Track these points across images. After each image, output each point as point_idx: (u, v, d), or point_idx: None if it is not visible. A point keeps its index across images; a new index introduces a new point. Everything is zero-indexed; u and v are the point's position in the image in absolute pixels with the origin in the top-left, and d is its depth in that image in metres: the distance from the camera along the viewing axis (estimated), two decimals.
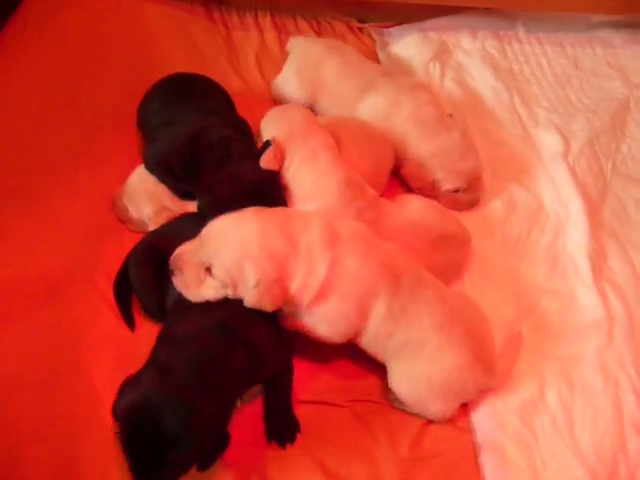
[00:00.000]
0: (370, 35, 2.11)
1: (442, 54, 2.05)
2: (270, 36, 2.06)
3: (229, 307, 1.23)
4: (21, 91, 1.73)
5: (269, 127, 1.49)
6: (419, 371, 1.29)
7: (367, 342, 1.30)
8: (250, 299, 1.20)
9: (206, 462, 1.12)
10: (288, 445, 1.26)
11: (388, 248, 1.31)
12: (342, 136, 1.56)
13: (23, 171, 1.58)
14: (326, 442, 1.29)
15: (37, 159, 1.61)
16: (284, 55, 1.90)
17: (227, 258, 1.19)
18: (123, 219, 1.54)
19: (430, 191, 1.64)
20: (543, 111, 1.95)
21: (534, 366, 1.41)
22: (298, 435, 1.27)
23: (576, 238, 1.64)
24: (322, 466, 1.26)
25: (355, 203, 1.40)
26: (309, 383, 1.35)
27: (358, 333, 1.28)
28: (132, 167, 1.60)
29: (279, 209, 1.30)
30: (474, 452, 1.31)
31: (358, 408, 1.35)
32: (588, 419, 1.35)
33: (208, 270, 1.21)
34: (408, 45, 2.06)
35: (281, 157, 1.43)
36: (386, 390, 1.35)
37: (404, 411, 1.34)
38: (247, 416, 1.28)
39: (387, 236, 1.38)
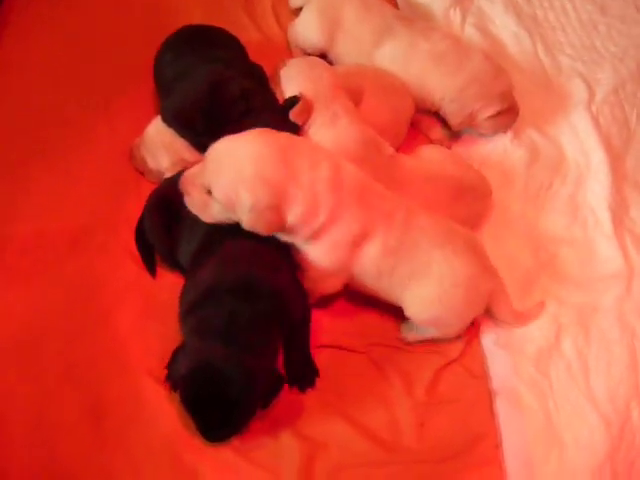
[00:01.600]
0: None
1: (463, 0, 1.98)
2: None
3: (249, 257, 1.25)
4: (36, 48, 1.73)
5: (293, 79, 1.47)
6: (435, 292, 1.30)
7: (373, 283, 1.31)
8: (246, 222, 1.21)
9: (267, 403, 1.19)
10: (308, 389, 1.30)
11: (381, 191, 1.30)
12: (363, 86, 1.55)
13: (42, 127, 1.59)
14: (343, 387, 1.33)
15: (55, 115, 1.62)
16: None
17: (223, 181, 1.20)
18: (141, 170, 1.55)
19: (470, 123, 1.63)
20: (567, 59, 1.89)
21: (551, 313, 1.42)
22: (317, 380, 1.31)
23: (597, 189, 1.62)
24: (338, 409, 1.30)
25: (372, 162, 1.40)
26: (326, 328, 1.38)
27: (351, 274, 1.30)
28: (149, 119, 1.61)
29: (288, 135, 1.28)
30: (489, 398, 1.34)
31: (374, 353, 1.37)
32: (603, 367, 1.37)
33: (209, 192, 1.23)
34: None
35: (308, 114, 1.43)
36: (401, 326, 1.39)
37: (417, 345, 1.38)
38: None
39: (406, 191, 1.38)
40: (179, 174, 1.43)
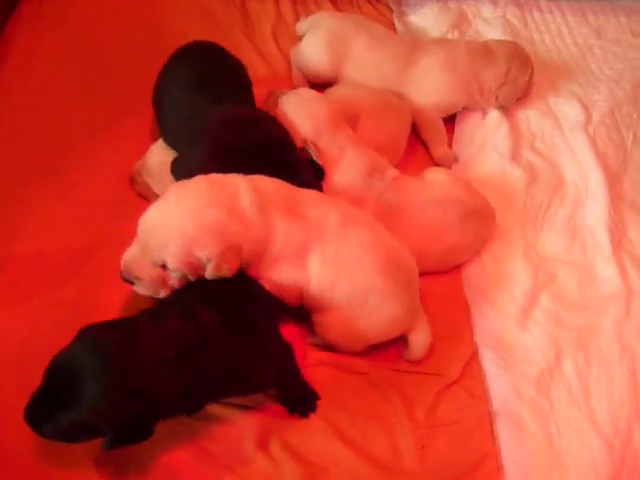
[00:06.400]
0: (387, 5, 2.08)
1: (461, 24, 2.02)
2: (286, 7, 2.03)
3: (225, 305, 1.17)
4: (39, 70, 1.75)
5: (295, 117, 1.44)
6: (357, 324, 1.28)
7: (314, 298, 1.27)
8: (210, 273, 1.17)
9: (112, 442, 1.02)
10: (311, 414, 1.28)
11: (308, 197, 1.28)
12: (358, 109, 1.56)
13: (43, 149, 1.60)
14: (343, 409, 1.31)
15: (57, 136, 1.63)
16: None
17: (174, 250, 1.15)
18: (144, 194, 1.55)
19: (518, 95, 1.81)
20: (564, 81, 1.92)
21: (551, 335, 1.42)
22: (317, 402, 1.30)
23: (595, 210, 1.63)
24: (339, 432, 1.28)
25: (374, 188, 1.42)
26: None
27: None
28: (149, 141, 1.62)
29: (199, 177, 1.22)
30: (489, 420, 1.33)
31: (374, 375, 1.36)
32: (604, 389, 1.36)
33: (163, 266, 1.18)
34: (426, 15, 2.03)
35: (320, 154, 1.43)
36: (310, 333, 1.36)
37: (417, 367, 1.38)
38: None
39: (413, 214, 1.41)
40: None
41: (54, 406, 1.00)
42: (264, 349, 1.15)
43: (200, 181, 1.21)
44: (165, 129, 1.54)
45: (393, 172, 1.46)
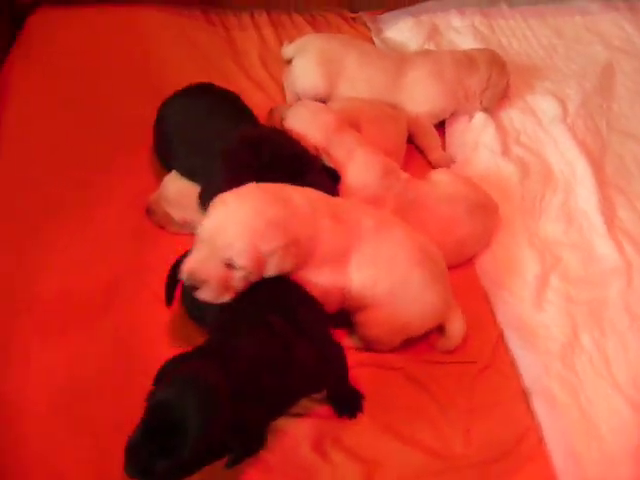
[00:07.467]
0: (364, 24, 2.20)
1: (435, 35, 2.15)
2: (268, 33, 2.12)
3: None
4: (36, 114, 1.77)
5: (302, 129, 1.53)
6: (399, 317, 1.35)
7: (357, 298, 1.33)
8: (274, 268, 1.23)
9: (234, 461, 1.04)
10: (358, 414, 1.34)
11: (342, 203, 1.36)
12: (360, 119, 1.65)
13: (53, 189, 1.62)
14: (388, 405, 1.37)
15: (61, 177, 1.65)
16: None
17: (242, 246, 1.19)
18: (162, 224, 1.59)
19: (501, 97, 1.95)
20: (536, 80, 2.07)
21: (566, 312, 1.53)
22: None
23: (585, 195, 1.76)
24: (387, 427, 1.34)
25: (393, 188, 1.51)
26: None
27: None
28: (152, 174, 1.68)
29: (247, 187, 1.28)
30: (524, 397, 1.41)
31: (410, 369, 1.43)
32: (621, 355, 1.47)
33: (229, 266, 1.21)
34: (401, 30, 2.15)
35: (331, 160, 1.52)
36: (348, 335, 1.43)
37: (448, 357, 1.44)
38: None
39: (428, 211, 1.50)
40: None
41: (159, 449, 0.96)
42: (325, 352, 1.21)
43: (253, 187, 1.28)
44: (176, 159, 1.60)
45: (404, 174, 1.56)
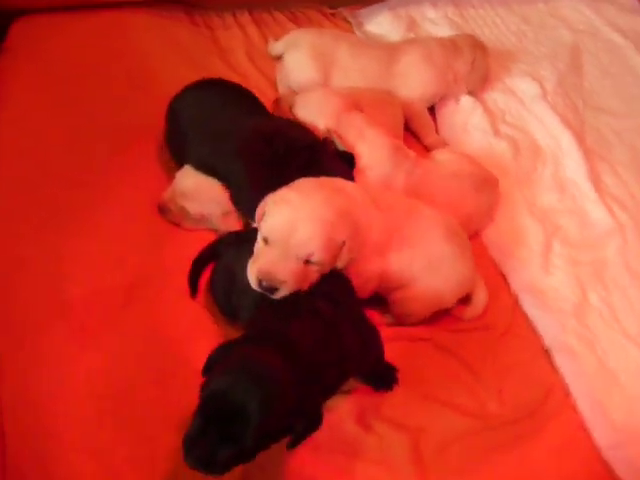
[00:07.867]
0: (344, 19, 2.25)
1: (413, 27, 2.23)
2: (252, 31, 2.15)
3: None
4: (26, 118, 1.74)
5: (313, 114, 1.60)
6: (435, 290, 1.42)
7: (394, 278, 1.39)
8: (344, 258, 1.27)
9: (295, 442, 1.05)
10: (394, 386, 1.39)
11: (377, 192, 1.41)
12: (361, 103, 1.71)
13: (62, 194, 1.60)
14: (422, 374, 1.43)
15: (62, 181, 1.63)
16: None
17: (319, 243, 1.20)
18: (177, 221, 1.58)
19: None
20: (511, 63, 2.18)
21: (573, 274, 1.63)
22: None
23: (572, 165, 1.87)
24: (424, 395, 1.40)
25: (403, 166, 1.56)
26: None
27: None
28: (156, 172, 1.68)
29: (299, 182, 1.31)
30: (546, 355, 1.50)
31: (437, 339, 1.49)
32: (627, 308, 1.58)
33: (307, 262, 1.21)
34: (381, 23, 2.22)
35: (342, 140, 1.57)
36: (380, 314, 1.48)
37: (469, 325, 1.52)
38: None
39: (437, 188, 1.57)
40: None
41: (218, 439, 0.95)
42: (366, 334, 1.24)
43: (306, 182, 1.30)
44: (189, 152, 1.60)
45: (412, 152, 1.62)
